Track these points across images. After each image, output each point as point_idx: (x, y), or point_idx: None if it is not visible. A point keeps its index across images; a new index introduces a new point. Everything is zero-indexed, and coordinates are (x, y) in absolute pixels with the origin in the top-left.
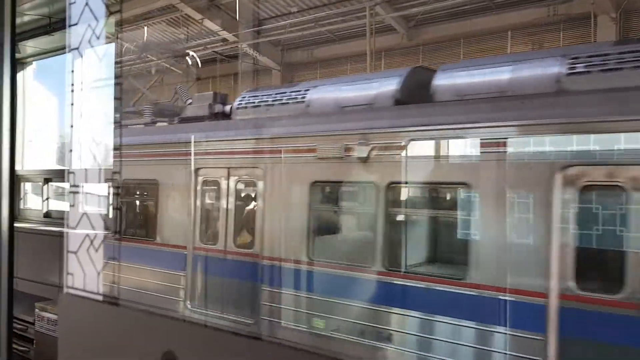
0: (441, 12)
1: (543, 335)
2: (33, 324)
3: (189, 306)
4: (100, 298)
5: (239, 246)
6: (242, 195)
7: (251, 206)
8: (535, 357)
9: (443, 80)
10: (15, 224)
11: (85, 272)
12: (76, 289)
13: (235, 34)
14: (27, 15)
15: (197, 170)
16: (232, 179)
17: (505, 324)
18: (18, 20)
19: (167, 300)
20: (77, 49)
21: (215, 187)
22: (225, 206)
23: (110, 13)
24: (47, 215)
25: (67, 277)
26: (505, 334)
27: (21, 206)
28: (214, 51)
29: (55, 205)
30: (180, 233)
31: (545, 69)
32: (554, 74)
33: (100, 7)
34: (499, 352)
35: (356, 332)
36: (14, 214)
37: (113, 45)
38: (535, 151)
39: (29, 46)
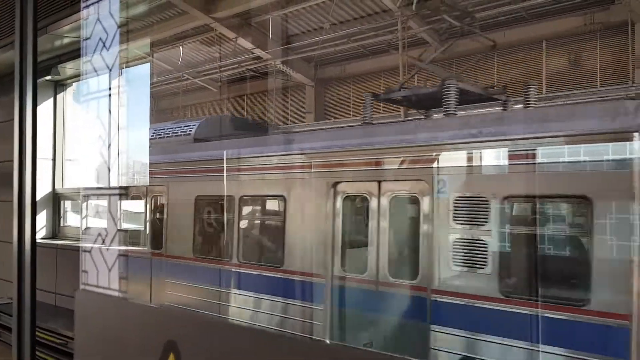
0: (474, 24)
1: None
2: (73, 339)
3: None
4: (110, 293)
5: None
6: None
7: None
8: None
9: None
10: (56, 241)
11: (99, 269)
12: (90, 285)
13: (269, 52)
14: (67, 38)
15: None
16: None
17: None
18: (57, 43)
19: None
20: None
21: None
22: None
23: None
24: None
25: (81, 275)
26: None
27: (61, 224)
28: (247, 69)
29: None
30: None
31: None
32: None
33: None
34: None
35: None
36: (36, 232)
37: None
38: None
39: (68, 68)
